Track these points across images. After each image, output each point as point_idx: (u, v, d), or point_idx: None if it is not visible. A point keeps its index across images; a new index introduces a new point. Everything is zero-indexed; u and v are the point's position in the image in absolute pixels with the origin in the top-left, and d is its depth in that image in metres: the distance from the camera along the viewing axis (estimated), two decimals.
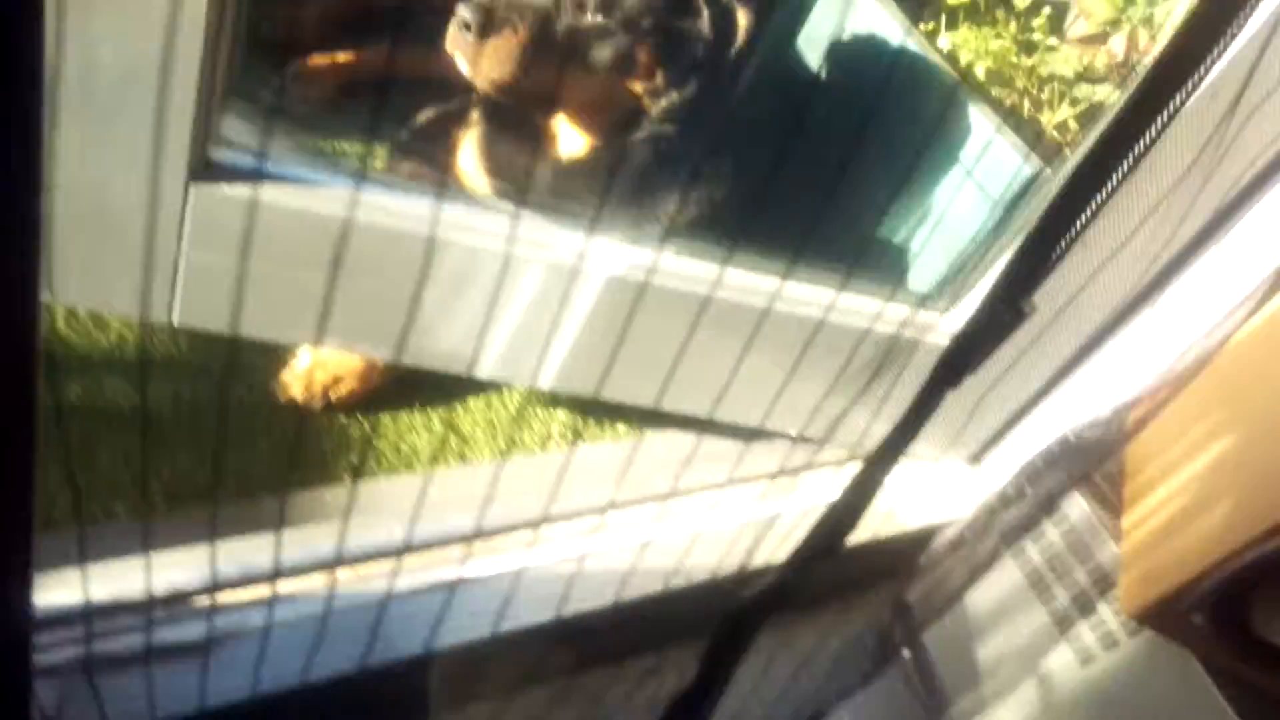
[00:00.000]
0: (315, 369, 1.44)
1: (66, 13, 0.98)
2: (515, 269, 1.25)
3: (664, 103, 1.48)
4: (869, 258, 1.72)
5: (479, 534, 1.28)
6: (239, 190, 1.17)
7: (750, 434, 1.47)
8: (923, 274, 1.65)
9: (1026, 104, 1.96)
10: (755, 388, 1.35)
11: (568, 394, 1.54)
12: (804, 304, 1.36)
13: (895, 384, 1.32)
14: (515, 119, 1.58)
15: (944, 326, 1.42)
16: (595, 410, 1.57)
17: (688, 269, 1.32)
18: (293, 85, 1.93)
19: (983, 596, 1.60)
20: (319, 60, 1.98)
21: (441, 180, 1.63)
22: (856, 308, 1.38)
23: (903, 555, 1.57)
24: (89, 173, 1.11)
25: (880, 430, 0.94)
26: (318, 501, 1.34)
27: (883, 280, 1.62)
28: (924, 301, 1.43)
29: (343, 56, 2.01)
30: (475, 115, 1.71)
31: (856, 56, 1.81)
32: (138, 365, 1.40)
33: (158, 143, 1.10)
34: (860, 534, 1.01)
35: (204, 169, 1.16)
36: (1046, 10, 1.97)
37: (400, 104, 1.92)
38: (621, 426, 1.58)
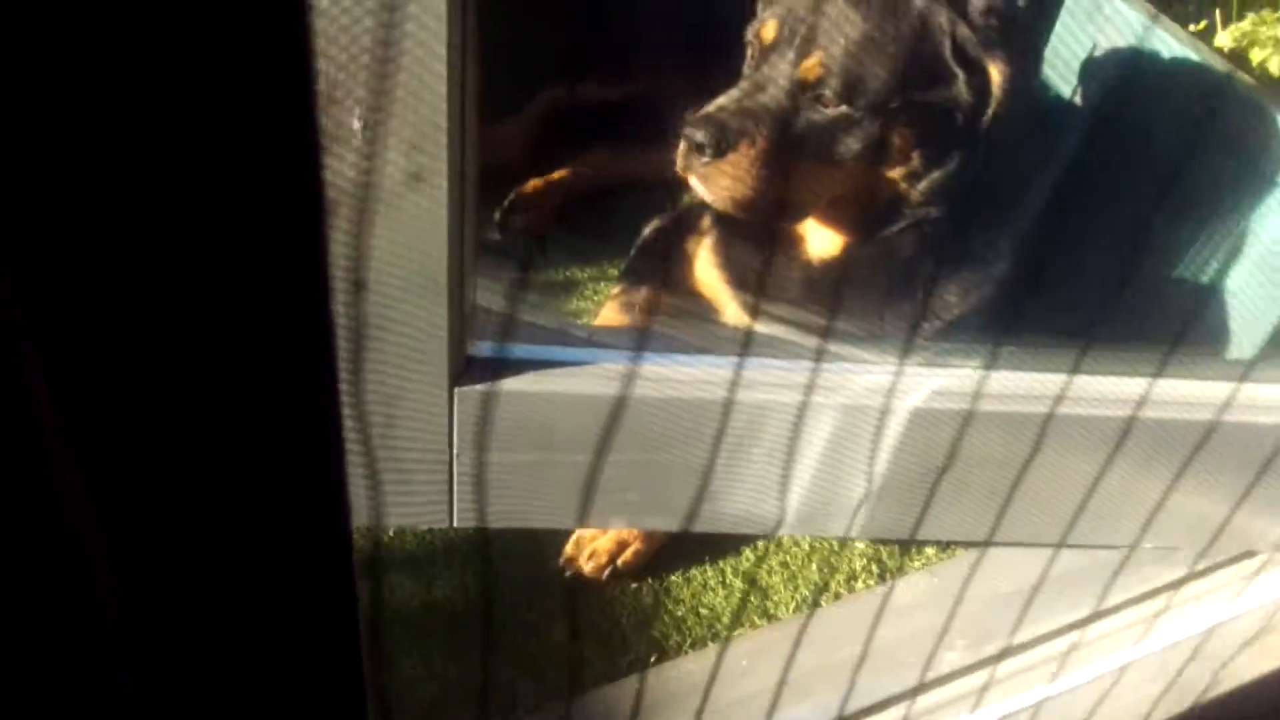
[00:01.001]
0: (597, 538, 1.35)
1: None
2: (805, 418, 1.11)
3: (924, 184, 1.31)
4: (1200, 328, 1.46)
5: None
6: (500, 385, 1.09)
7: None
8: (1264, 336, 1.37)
9: None
10: (1104, 505, 1.15)
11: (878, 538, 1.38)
12: (1126, 400, 1.15)
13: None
14: (756, 228, 1.45)
15: None
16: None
17: (995, 385, 1.14)
18: (512, 218, 1.88)
19: None
20: (534, 185, 1.92)
21: (687, 308, 1.52)
22: (1201, 394, 1.15)
23: None
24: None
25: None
26: (632, 691, 1.23)
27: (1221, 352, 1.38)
28: None
29: (556, 175, 1.95)
30: (707, 221, 1.60)
31: (1125, 80, 1.56)
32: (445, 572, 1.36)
33: (422, 351, 1.04)
34: None
35: (464, 369, 1.09)
36: None
37: (621, 220, 1.84)
38: (930, 550, 1.41)
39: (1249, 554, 1.29)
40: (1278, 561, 1.31)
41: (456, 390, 1.08)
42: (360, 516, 1.18)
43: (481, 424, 1.11)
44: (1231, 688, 1.18)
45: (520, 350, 1.11)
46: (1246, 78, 1.48)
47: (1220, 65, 1.48)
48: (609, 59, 2.11)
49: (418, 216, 0.93)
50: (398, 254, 0.93)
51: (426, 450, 1.14)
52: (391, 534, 1.40)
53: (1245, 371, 1.15)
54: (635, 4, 2.02)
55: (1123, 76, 1.57)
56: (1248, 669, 1.20)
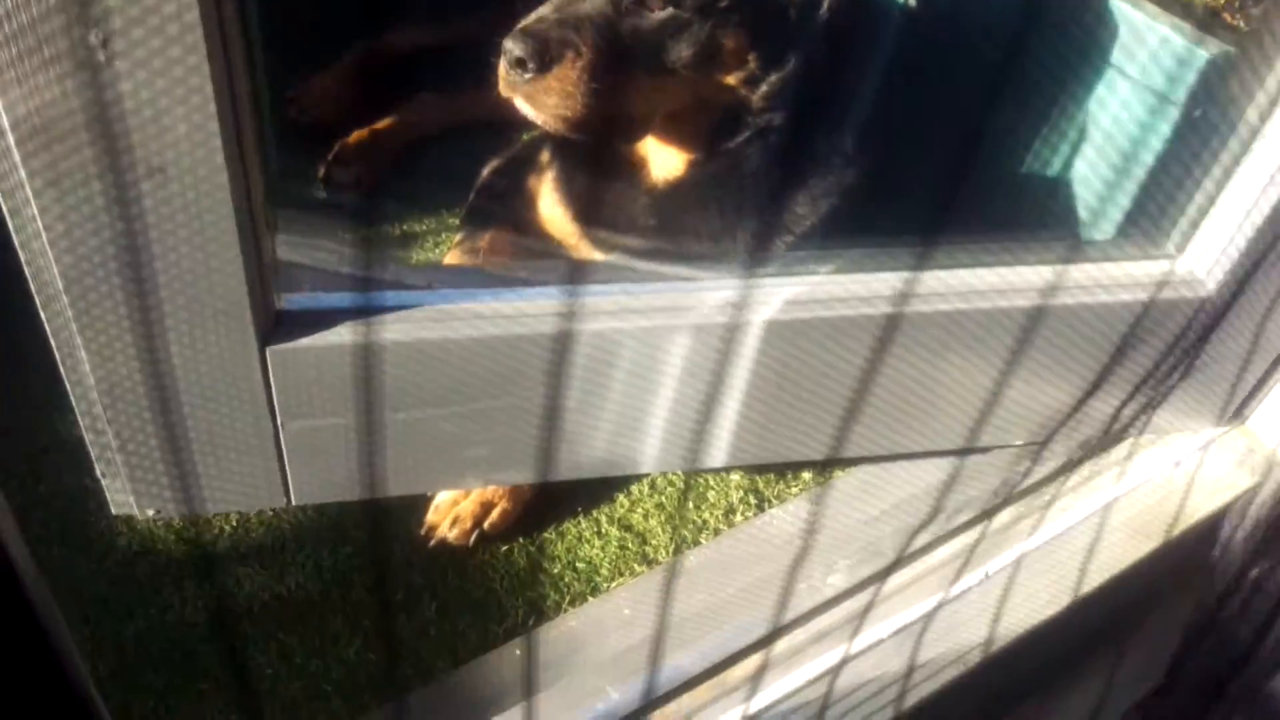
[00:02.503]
0: (459, 501, 1.24)
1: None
2: (653, 343, 1.03)
3: (764, 89, 1.23)
4: (1041, 213, 1.44)
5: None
6: (319, 338, 0.97)
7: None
8: (1114, 218, 1.35)
9: None
10: (952, 404, 1.11)
11: (745, 466, 1.31)
12: (987, 292, 1.10)
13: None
14: (594, 149, 1.36)
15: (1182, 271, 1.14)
16: (768, 466, 1.34)
17: (847, 288, 1.08)
18: (336, 171, 1.74)
19: None
20: (357, 136, 1.79)
21: (534, 247, 1.42)
22: (1041, 280, 1.11)
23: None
24: (149, 374, 0.93)
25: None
26: (514, 659, 1.14)
27: (1063, 237, 1.35)
28: (1147, 249, 1.15)
29: (381, 124, 1.82)
30: (546, 155, 1.50)
31: None
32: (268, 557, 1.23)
33: (217, 313, 0.91)
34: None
35: (274, 327, 0.96)
36: None
37: (456, 164, 1.72)
38: (806, 475, 1.35)
39: (1123, 439, 1.28)
40: (1148, 443, 1.30)
41: (269, 350, 0.96)
42: (180, 505, 1.04)
43: (303, 385, 0.99)
44: (1114, 573, 1.17)
45: (337, 299, 0.99)
46: None
47: None
48: (428, 4, 1.98)
49: (196, 165, 0.81)
50: (177, 208, 0.80)
51: (247, 422, 1.01)
52: (234, 522, 1.27)
53: (1102, 251, 1.12)
54: None
55: None
56: (1130, 552, 1.19)
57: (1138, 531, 1.20)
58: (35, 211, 0.80)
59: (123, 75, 0.74)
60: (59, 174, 0.78)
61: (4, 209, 0.80)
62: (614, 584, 1.24)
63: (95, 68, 0.73)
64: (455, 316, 0.98)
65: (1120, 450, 1.27)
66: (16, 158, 0.76)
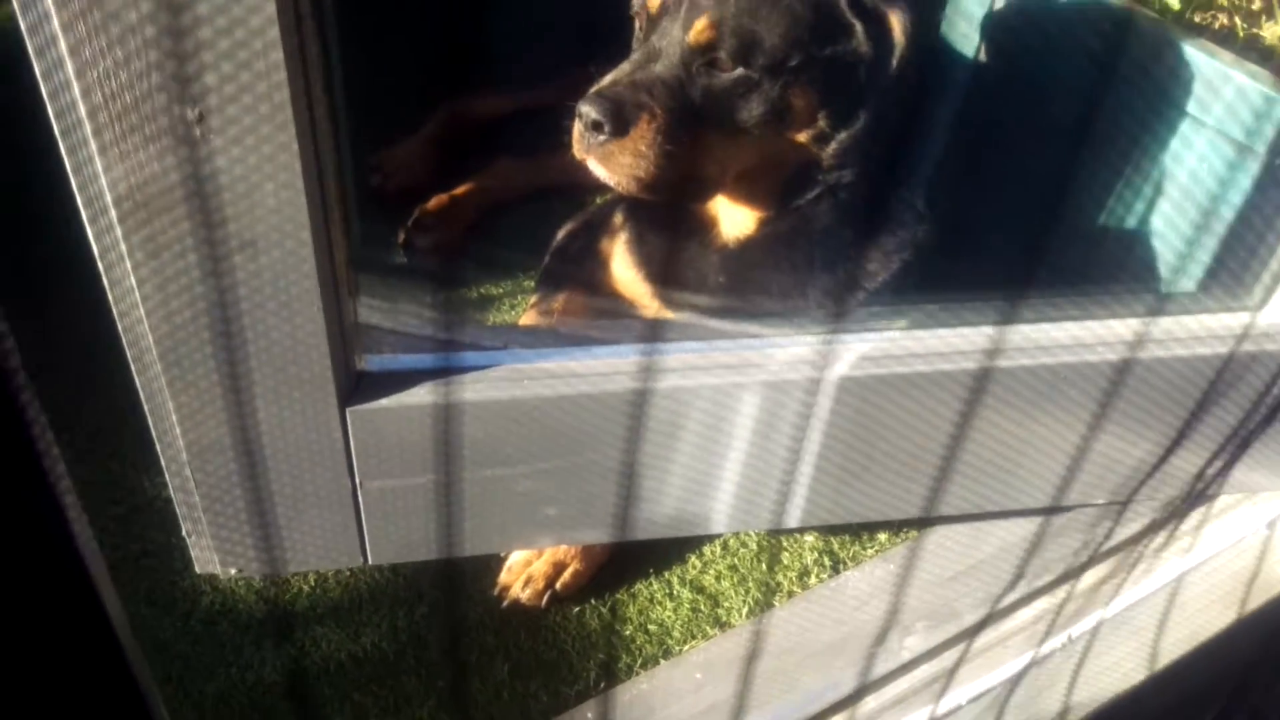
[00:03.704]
0: (532, 561, 1.25)
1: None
2: (724, 401, 1.03)
3: (834, 146, 1.24)
4: (1119, 266, 1.41)
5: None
6: (398, 399, 0.99)
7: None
8: (1195, 271, 1.32)
9: (1237, 21, 1.62)
10: (1031, 462, 1.08)
11: (820, 527, 1.30)
12: (1070, 346, 1.08)
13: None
14: (667, 210, 1.37)
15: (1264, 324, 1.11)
16: (843, 526, 1.32)
17: (924, 343, 1.06)
18: (416, 236, 1.79)
19: None
20: (437, 202, 1.84)
21: (607, 308, 1.43)
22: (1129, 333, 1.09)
23: None
24: (219, 433, 0.96)
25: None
26: None
27: (1146, 292, 1.32)
28: (1225, 303, 1.12)
29: (460, 190, 1.87)
30: (619, 217, 1.52)
31: (1028, 30, 1.52)
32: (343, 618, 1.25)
33: (300, 375, 0.94)
34: None
35: (354, 388, 0.99)
36: None
37: (532, 228, 1.76)
38: (882, 535, 1.33)
39: (1205, 499, 1.23)
40: (1228, 506, 1.25)
41: (349, 410, 0.98)
42: (261, 565, 1.06)
43: (381, 445, 1.01)
44: (1201, 642, 1.12)
45: (416, 360, 1.01)
46: (1148, 13, 1.44)
47: (1120, 3, 1.44)
48: (503, 71, 2.04)
49: (284, 236, 0.84)
50: (266, 280, 0.84)
51: (327, 482, 1.03)
52: (312, 582, 1.29)
53: (1185, 305, 1.09)
54: (523, 14, 1.96)
55: (1025, 27, 1.52)
56: (1216, 621, 1.13)
57: (1225, 595, 1.15)
58: (134, 282, 0.83)
59: (218, 151, 0.77)
60: (157, 246, 0.81)
61: (105, 280, 0.84)
62: (686, 647, 1.22)
63: (192, 143, 0.77)
64: (530, 376, 0.99)
65: (1204, 511, 1.23)
66: (118, 231, 0.80)
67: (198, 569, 1.08)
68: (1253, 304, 1.12)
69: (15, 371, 0.32)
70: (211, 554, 1.05)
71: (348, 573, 1.29)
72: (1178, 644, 1.10)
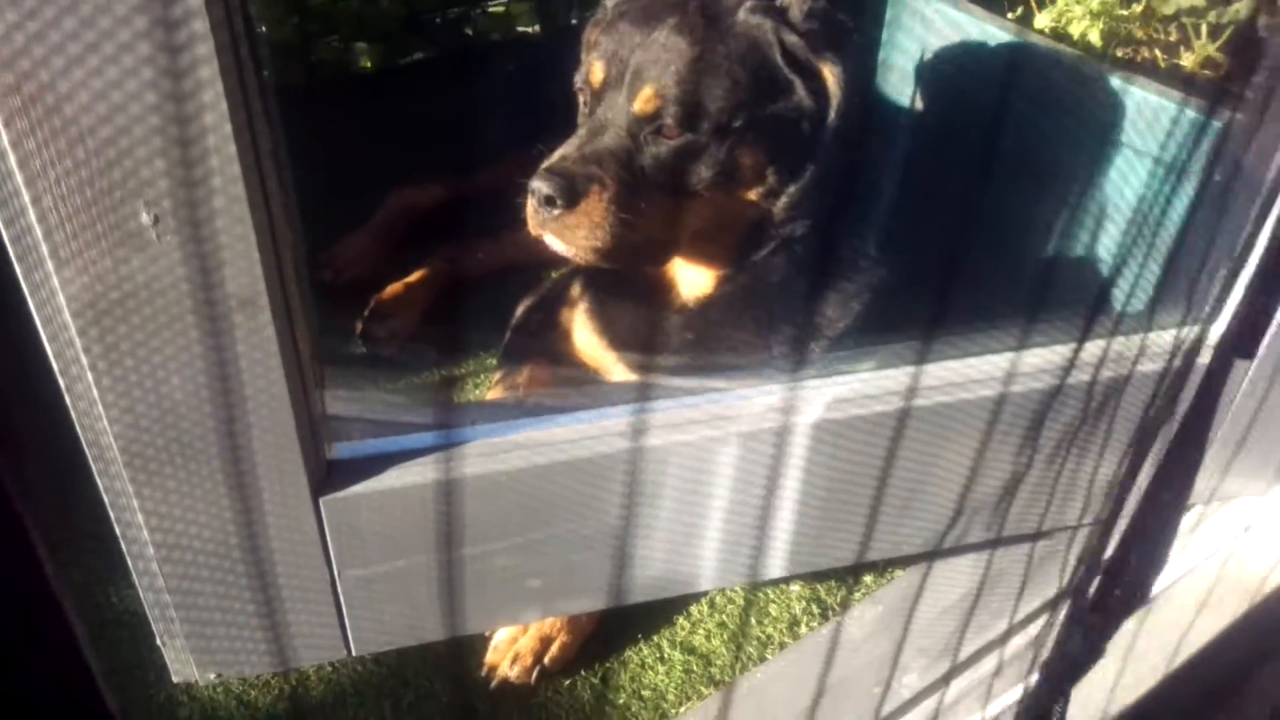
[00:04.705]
0: (518, 638, 1.23)
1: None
2: (705, 456, 1.03)
3: (784, 200, 1.26)
4: (1073, 290, 1.44)
5: None
6: (370, 485, 0.98)
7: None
8: (1144, 290, 1.36)
9: (1157, 53, 1.69)
10: (1006, 490, 1.09)
11: (805, 576, 1.29)
12: (1041, 373, 1.10)
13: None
14: (624, 276, 1.39)
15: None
16: (828, 573, 1.31)
17: (893, 380, 1.08)
18: (373, 326, 1.79)
19: None
20: (391, 291, 1.84)
21: (572, 377, 1.43)
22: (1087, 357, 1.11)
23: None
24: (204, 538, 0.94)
25: None
26: None
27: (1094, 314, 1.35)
28: (1185, 319, 1.15)
29: (414, 277, 1.87)
30: (577, 288, 1.53)
31: (961, 74, 1.57)
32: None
33: (270, 469, 0.93)
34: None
35: (325, 477, 0.98)
36: None
37: (490, 308, 1.76)
38: (868, 578, 1.32)
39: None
40: (1210, 514, 1.27)
41: (322, 500, 0.97)
42: (240, 666, 1.03)
43: (357, 533, 0.99)
44: (1191, 654, 1.12)
45: (386, 444, 1.00)
46: (1073, 50, 1.50)
47: (1047, 43, 1.50)
48: (449, 158, 2.06)
49: (248, 333, 0.84)
50: (230, 373, 0.83)
51: (305, 574, 1.01)
52: (293, 681, 1.25)
53: (1136, 323, 1.11)
54: (465, 100, 1.99)
55: (958, 71, 1.58)
56: (1204, 631, 1.14)
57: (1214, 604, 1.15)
58: (95, 391, 0.82)
59: (174, 250, 0.77)
60: (119, 353, 0.80)
61: (64, 388, 0.83)
62: (682, 710, 1.20)
63: (147, 245, 0.77)
64: (502, 449, 0.99)
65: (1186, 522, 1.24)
66: (77, 341, 0.79)
67: (175, 678, 1.05)
68: (1202, 317, 1.14)
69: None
70: (188, 659, 1.02)
71: (329, 668, 1.26)
72: (1166, 658, 1.10)
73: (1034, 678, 0.90)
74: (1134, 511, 0.78)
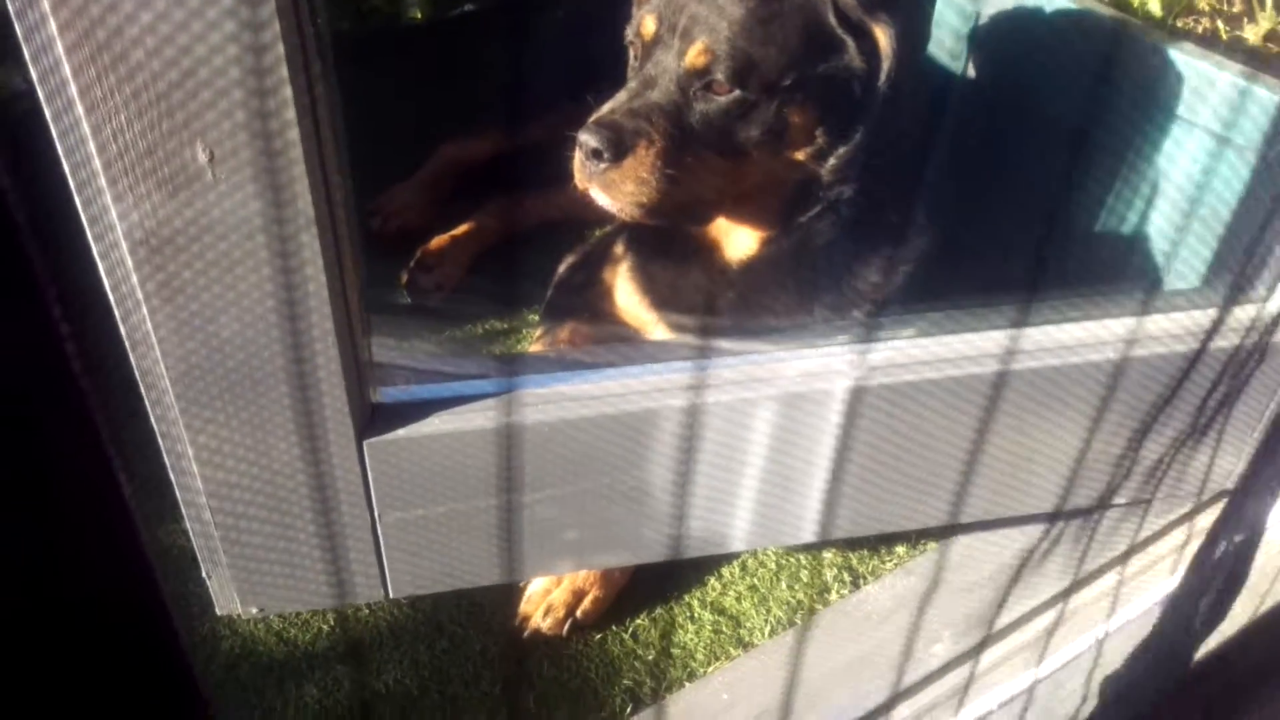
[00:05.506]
0: (551, 590, 1.24)
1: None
2: (742, 417, 1.03)
3: (832, 162, 1.25)
4: (1122, 267, 1.42)
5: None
6: (413, 429, 0.99)
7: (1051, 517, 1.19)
8: (1197, 267, 1.33)
9: (1220, 25, 1.64)
10: (1045, 464, 1.08)
11: (837, 542, 1.29)
12: (1082, 347, 1.08)
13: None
14: (669, 234, 1.38)
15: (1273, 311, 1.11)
16: (861, 541, 1.31)
17: (930, 350, 1.07)
18: (419, 277, 1.80)
19: None
20: (438, 242, 1.85)
21: (613, 336, 1.44)
22: (1149, 331, 1.09)
23: None
24: (259, 473, 0.96)
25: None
26: None
27: (1151, 289, 1.33)
28: (1235, 296, 1.13)
29: (460, 229, 1.88)
30: (620, 247, 1.53)
31: (1016, 40, 1.54)
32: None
33: (318, 409, 0.94)
34: None
35: (370, 421, 0.99)
36: None
37: (533, 263, 1.77)
38: (900, 548, 1.32)
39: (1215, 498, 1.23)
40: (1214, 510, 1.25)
41: (366, 443, 0.98)
42: (282, 602, 1.06)
43: (399, 477, 1.01)
44: (1222, 639, 1.11)
45: (431, 390, 1.01)
46: (1132, 19, 1.46)
47: (1105, 12, 1.46)
48: (497, 109, 2.06)
49: (297, 273, 0.85)
50: (284, 315, 0.84)
51: (347, 516, 1.03)
52: (332, 622, 1.28)
53: (1189, 300, 1.09)
54: (516, 51, 1.98)
55: (1010, 39, 1.54)
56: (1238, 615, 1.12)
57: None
58: (150, 325, 0.84)
59: (231, 192, 0.78)
60: (172, 290, 0.82)
61: (120, 321, 0.85)
62: (710, 669, 1.21)
63: (205, 185, 0.78)
64: (545, 400, 1.00)
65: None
66: (130, 266, 0.81)
67: (218, 610, 1.08)
68: (1259, 295, 1.12)
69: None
70: (231, 594, 1.05)
71: (366, 610, 1.28)
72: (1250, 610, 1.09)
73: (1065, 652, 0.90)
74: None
